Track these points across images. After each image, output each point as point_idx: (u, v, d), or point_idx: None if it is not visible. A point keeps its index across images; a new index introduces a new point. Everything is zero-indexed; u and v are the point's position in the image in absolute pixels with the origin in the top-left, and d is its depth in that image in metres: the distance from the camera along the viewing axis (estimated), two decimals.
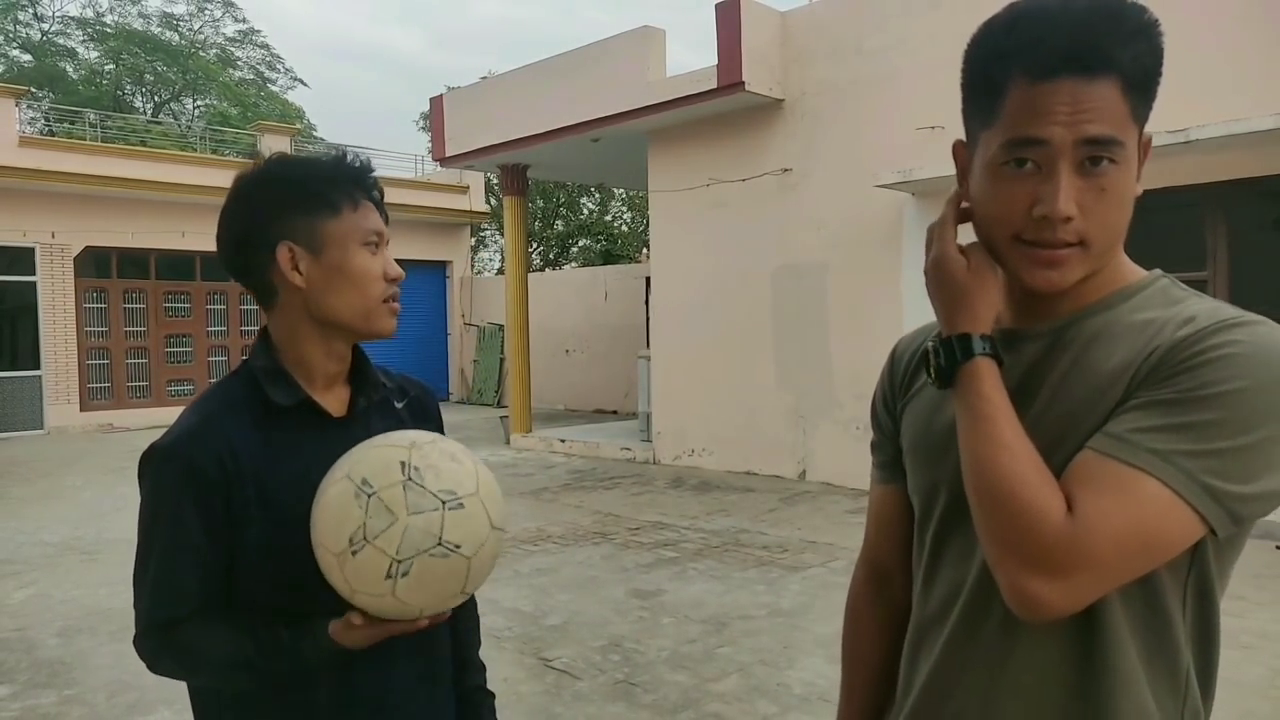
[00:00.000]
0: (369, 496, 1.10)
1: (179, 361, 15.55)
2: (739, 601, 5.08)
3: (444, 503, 1.11)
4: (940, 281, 0.96)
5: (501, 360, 16.95)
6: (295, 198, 1.27)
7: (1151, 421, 0.83)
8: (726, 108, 9.30)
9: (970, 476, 0.88)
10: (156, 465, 1.24)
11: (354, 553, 1.10)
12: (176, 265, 15.24)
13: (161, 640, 1.23)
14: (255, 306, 1.36)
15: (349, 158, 1.34)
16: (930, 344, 0.96)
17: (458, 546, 1.11)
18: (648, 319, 12.34)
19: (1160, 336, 0.88)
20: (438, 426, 1.48)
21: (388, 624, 1.17)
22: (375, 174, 1.35)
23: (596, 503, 8.17)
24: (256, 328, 1.40)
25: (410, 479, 1.11)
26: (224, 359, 15.79)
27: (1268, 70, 6.07)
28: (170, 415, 1.34)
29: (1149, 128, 0.92)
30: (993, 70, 0.90)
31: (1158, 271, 0.98)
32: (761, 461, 9.28)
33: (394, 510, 1.09)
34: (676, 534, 6.84)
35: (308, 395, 1.31)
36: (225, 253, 1.32)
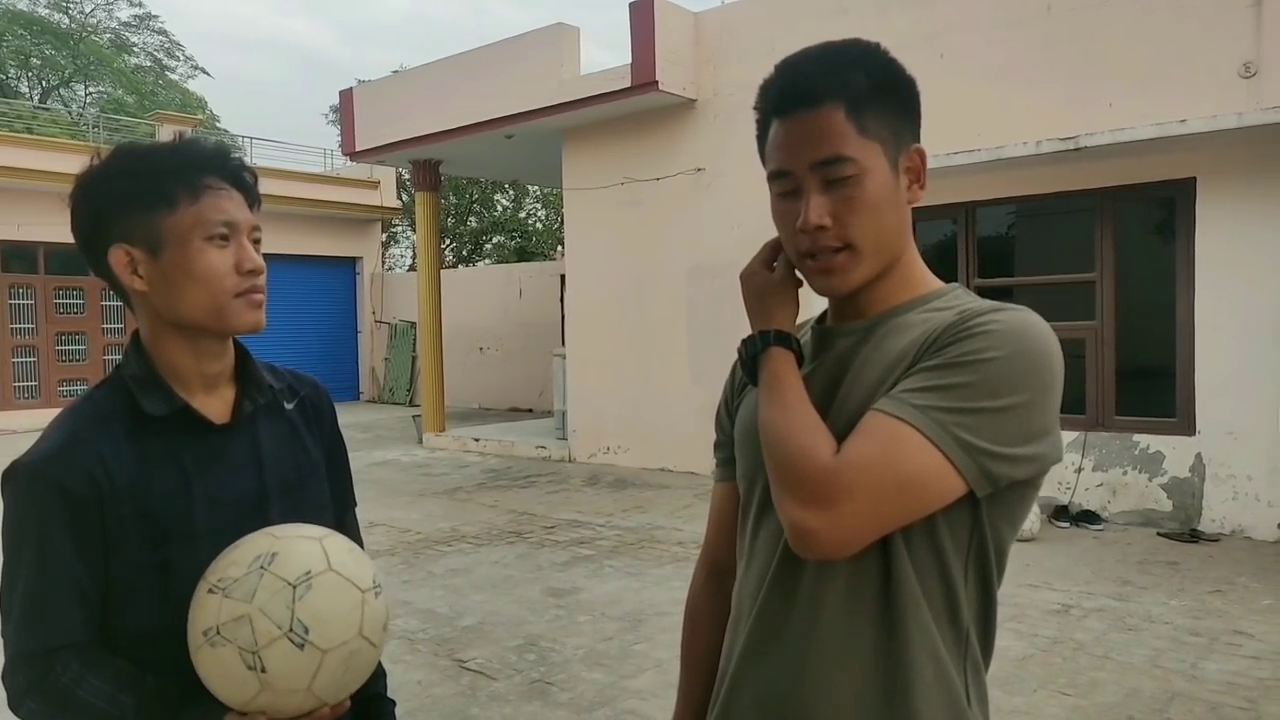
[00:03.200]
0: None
1: (72, 360, 14.80)
2: (655, 598, 5.11)
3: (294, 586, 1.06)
4: (746, 291, 1.14)
5: (414, 358, 16.66)
6: (128, 194, 1.17)
7: (919, 384, 0.96)
8: (640, 107, 9.34)
9: (762, 435, 1.02)
10: (21, 486, 1.13)
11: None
12: (69, 260, 14.41)
13: (32, 676, 1.11)
14: None
15: (193, 142, 1.22)
16: (739, 345, 1.12)
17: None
18: (563, 317, 12.30)
19: (939, 323, 1.01)
20: (332, 426, 1.42)
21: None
22: (235, 156, 1.23)
23: (512, 501, 8.11)
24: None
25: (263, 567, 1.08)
26: (121, 358, 15.08)
27: (1150, 82, 6.41)
28: None
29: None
30: (760, 118, 1.09)
31: (956, 284, 1.12)
32: (676, 458, 9.36)
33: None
34: (592, 531, 6.84)
35: (185, 403, 1.21)
36: (82, 256, 1.23)
